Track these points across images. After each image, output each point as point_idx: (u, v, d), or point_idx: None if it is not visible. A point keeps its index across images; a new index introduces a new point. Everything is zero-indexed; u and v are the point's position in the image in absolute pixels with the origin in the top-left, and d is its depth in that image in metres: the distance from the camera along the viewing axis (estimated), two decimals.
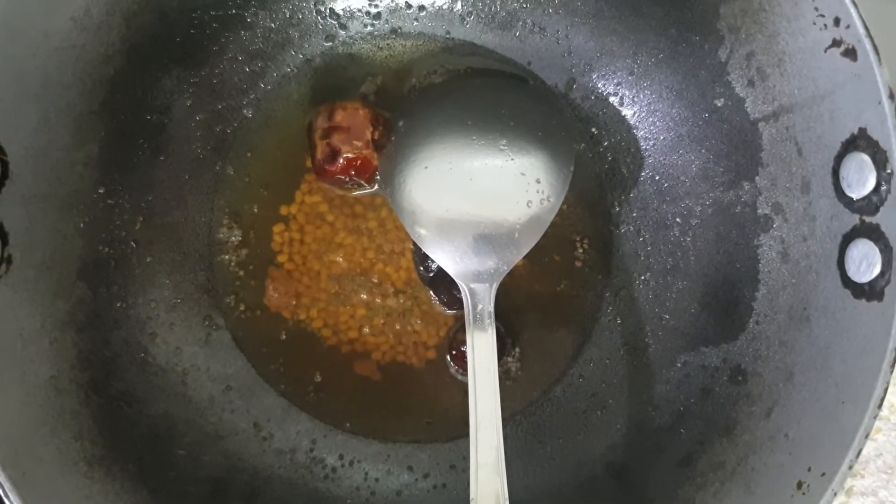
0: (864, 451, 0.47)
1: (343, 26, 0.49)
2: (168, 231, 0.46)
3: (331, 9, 0.49)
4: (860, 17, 0.34)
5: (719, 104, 0.44)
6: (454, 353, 0.47)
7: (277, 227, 0.48)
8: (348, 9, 0.49)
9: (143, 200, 0.45)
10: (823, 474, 0.34)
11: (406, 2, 0.49)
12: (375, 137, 0.45)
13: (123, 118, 0.43)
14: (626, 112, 0.49)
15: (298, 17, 0.48)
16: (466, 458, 0.41)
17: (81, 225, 0.41)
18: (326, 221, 0.48)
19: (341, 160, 0.45)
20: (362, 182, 0.46)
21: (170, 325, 0.45)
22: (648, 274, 0.48)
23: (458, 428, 0.47)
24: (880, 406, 0.34)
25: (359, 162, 0.45)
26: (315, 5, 0.48)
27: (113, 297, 0.43)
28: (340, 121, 0.44)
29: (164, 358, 0.45)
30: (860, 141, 0.35)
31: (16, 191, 0.36)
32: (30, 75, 0.36)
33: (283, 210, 0.48)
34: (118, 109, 0.42)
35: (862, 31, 0.34)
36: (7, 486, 0.33)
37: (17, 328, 0.36)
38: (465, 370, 0.45)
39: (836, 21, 0.35)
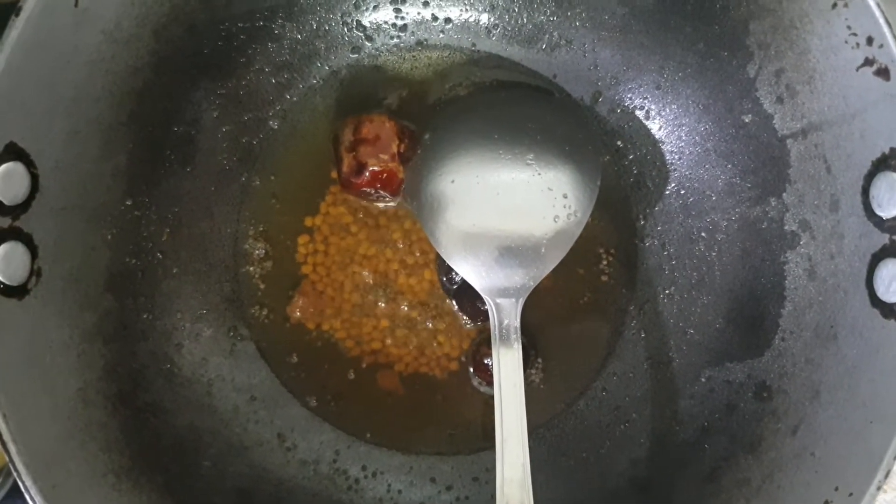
0: None
1: (369, 38, 0.49)
2: (194, 242, 0.46)
3: (357, 21, 0.49)
4: (893, 36, 0.34)
5: (747, 120, 0.44)
6: (477, 364, 0.47)
7: (302, 239, 0.48)
8: (375, 21, 0.49)
9: (170, 212, 0.45)
10: (851, 494, 0.34)
11: (432, 14, 0.49)
12: (401, 150, 0.45)
13: (151, 130, 0.43)
14: (652, 126, 0.49)
15: (325, 29, 0.48)
16: (489, 471, 0.42)
17: (109, 236, 0.42)
18: (350, 233, 0.48)
19: (367, 173, 0.45)
20: (387, 195, 0.46)
21: (195, 336, 0.46)
22: (673, 288, 0.48)
23: (480, 440, 0.47)
24: None
25: (385, 175, 0.45)
26: (342, 17, 0.49)
27: (140, 308, 0.43)
28: (366, 134, 0.44)
29: (190, 369, 0.45)
30: (891, 160, 0.35)
31: (45, 203, 0.36)
32: (60, 88, 0.37)
33: (308, 221, 0.48)
34: (146, 121, 0.42)
35: (895, 50, 0.34)
36: (38, 498, 0.33)
37: (46, 340, 0.37)
38: (489, 382, 0.45)
39: (869, 40, 0.35)
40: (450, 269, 0.46)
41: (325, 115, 0.48)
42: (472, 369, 0.47)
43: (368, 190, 0.46)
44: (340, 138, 0.45)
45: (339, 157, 0.45)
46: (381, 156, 0.44)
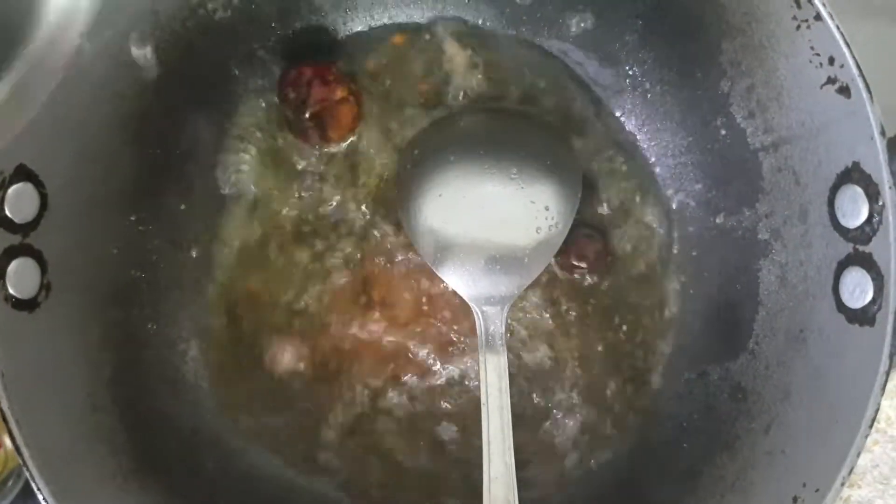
0: (862, 463, 0.49)
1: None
2: (196, 256, 0.48)
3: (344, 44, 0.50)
4: (853, 56, 0.36)
5: (721, 134, 0.45)
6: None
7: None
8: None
9: (172, 227, 0.47)
10: (817, 490, 0.36)
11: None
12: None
13: (153, 150, 0.45)
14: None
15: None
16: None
17: (115, 251, 0.43)
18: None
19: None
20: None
21: (197, 345, 0.48)
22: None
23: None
24: (871, 426, 0.36)
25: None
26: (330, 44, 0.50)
27: (145, 318, 0.45)
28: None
29: (193, 375, 0.47)
30: (854, 173, 0.37)
31: (54, 221, 0.38)
32: (67, 112, 0.39)
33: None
34: (148, 142, 0.44)
35: (855, 70, 0.36)
36: (50, 499, 0.35)
37: (57, 350, 0.39)
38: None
39: (831, 60, 0.37)
40: None
41: None
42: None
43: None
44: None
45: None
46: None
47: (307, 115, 0.46)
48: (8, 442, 0.49)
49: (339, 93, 0.47)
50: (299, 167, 0.49)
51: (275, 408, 0.48)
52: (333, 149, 0.49)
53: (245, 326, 0.48)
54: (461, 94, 0.50)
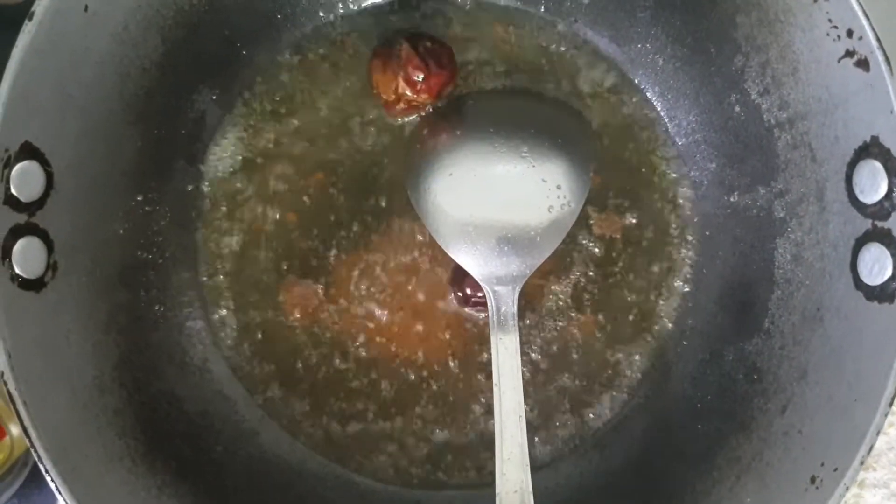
0: (877, 445, 0.48)
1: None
2: (202, 236, 0.48)
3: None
4: (872, 28, 0.35)
5: (735, 110, 0.45)
6: (460, 294, 0.47)
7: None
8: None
9: (179, 207, 0.47)
10: (836, 469, 0.36)
11: None
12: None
13: (158, 129, 0.45)
14: None
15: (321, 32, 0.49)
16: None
17: (121, 231, 0.43)
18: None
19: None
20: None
21: (206, 327, 0.47)
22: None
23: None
24: (891, 404, 0.35)
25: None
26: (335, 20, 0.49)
27: (152, 300, 0.45)
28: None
29: (201, 358, 0.47)
30: (872, 148, 0.36)
31: (60, 200, 0.38)
32: (72, 89, 0.38)
33: None
34: (153, 120, 0.44)
35: (874, 42, 0.35)
36: (58, 480, 0.35)
37: (63, 331, 0.38)
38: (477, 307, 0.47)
39: (849, 33, 0.36)
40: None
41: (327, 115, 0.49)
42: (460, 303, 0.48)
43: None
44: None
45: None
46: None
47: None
48: (14, 429, 0.49)
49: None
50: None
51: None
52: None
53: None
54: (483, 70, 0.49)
